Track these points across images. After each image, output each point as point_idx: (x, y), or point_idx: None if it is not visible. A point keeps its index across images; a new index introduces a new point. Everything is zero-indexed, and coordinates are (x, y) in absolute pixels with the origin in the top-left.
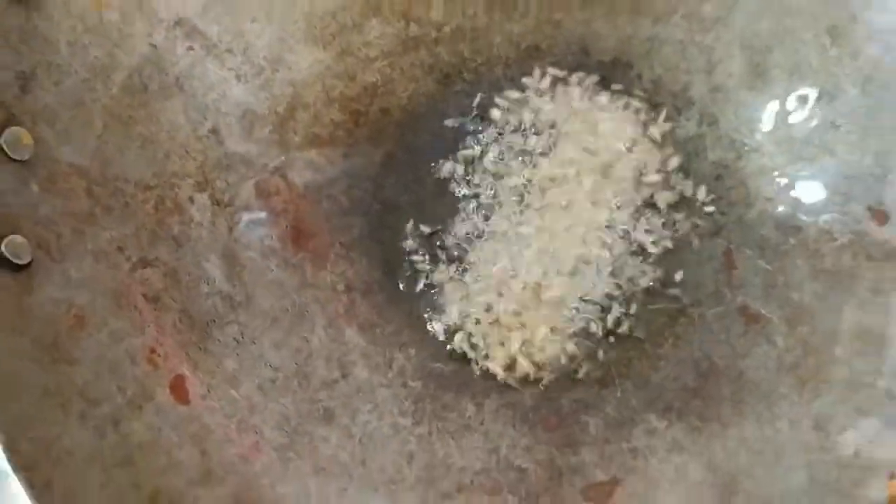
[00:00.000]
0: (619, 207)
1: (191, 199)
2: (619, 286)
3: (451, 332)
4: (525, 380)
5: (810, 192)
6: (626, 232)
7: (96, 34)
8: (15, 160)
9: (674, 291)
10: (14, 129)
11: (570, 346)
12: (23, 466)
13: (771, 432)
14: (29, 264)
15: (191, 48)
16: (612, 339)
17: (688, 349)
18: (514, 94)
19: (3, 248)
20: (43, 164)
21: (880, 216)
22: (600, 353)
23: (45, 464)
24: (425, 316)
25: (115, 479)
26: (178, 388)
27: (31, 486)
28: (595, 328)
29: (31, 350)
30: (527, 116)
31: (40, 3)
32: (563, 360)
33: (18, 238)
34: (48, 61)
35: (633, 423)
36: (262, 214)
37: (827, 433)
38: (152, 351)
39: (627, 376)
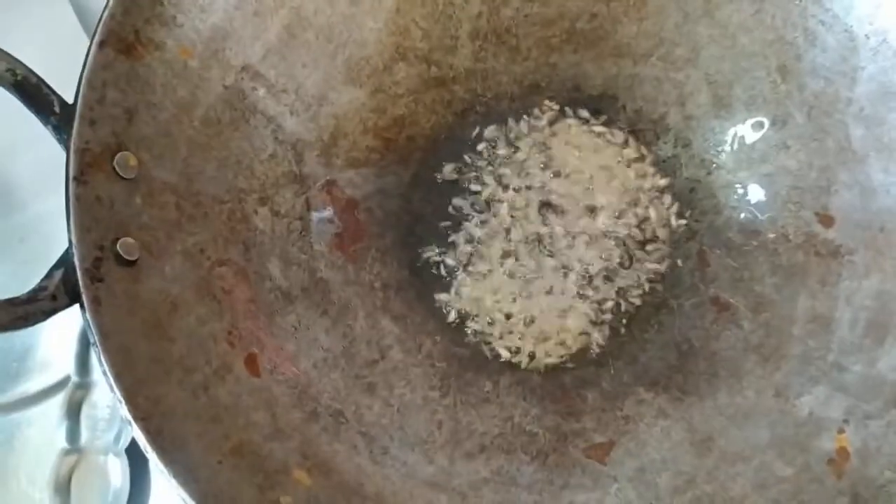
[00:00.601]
0: (617, 217)
1: (255, 212)
2: (615, 289)
3: (465, 323)
4: (531, 361)
5: (768, 201)
6: (622, 241)
7: (182, 78)
8: (124, 178)
9: (657, 286)
10: (124, 153)
11: (570, 336)
12: (140, 417)
13: (740, 400)
14: (136, 261)
15: (254, 88)
16: (605, 327)
17: (670, 333)
18: (518, 126)
19: (118, 248)
20: (144, 181)
21: (826, 220)
22: (596, 338)
23: (156, 416)
24: (445, 310)
25: (208, 431)
26: (251, 364)
27: (147, 432)
28: (592, 319)
29: (142, 328)
30: (527, 143)
31: (141, 53)
32: (564, 346)
33: (129, 240)
34: (147, 100)
35: (625, 395)
36: (330, 211)
37: (786, 398)
38: (229, 333)
39: (619, 357)
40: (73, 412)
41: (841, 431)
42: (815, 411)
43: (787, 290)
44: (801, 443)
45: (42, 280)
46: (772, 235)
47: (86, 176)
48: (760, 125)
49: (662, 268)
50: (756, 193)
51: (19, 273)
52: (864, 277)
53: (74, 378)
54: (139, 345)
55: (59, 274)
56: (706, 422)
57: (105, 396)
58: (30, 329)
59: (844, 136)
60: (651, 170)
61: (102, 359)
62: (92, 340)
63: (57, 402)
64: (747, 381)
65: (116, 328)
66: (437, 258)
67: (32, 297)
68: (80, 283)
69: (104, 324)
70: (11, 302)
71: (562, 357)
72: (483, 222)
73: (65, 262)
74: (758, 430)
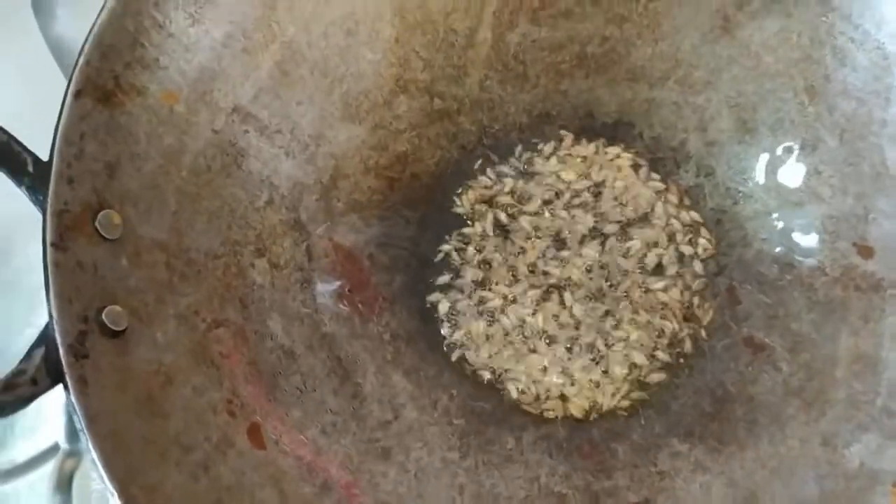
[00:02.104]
0: (643, 258)
1: (252, 265)
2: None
3: (482, 374)
4: (556, 412)
5: (801, 231)
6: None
7: (168, 125)
8: (108, 239)
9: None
10: (106, 212)
11: (596, 383)
12: None
13: (784, 450)
14: (124, 330)
15: (246, 131)
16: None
17: (702, 378)
18: (527, 157)
19: (104, 317)
20: (129, 240)
21: (865, 251)
22: (624, 387)
23: None
24: (460, 359)
25: None
26: (255, 435)
27: None
28: (619, 368)
29: (133, 406)
30: (539, 176)
31: (121, 101)
32: (591, 396)
33: (116, 308)
34: (130, 151)
35: (658, 448)
36: (332, 259)
37: (834, 448)
38: (229, 402)
39: (650, 405)
40: (64, 484)
41: None
42: (867, 462)
43: (827, 327)
44: (853, 498)
45: (21, 362)
46: (807, 269)
47: (65, 241)
48: (789, 150)
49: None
50: (787, 223)
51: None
52: None
53: (64, 446)
54: (131, 425)
55: (39, 353)
56: (748, 476)
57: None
58: None
59: (880, 160)
60: (674, 199)
61: (91, 446)
62: (78, 426)
63: (46, 473)
64: (790, 428)
65: (105, 409)
66: (449, 305)
67: (10, 383)
68: (64, 361)
69: (91, 406)
70: None
71: (587, 406)
72: (494, 263)
73: (45, 338)
74: (805, 484)
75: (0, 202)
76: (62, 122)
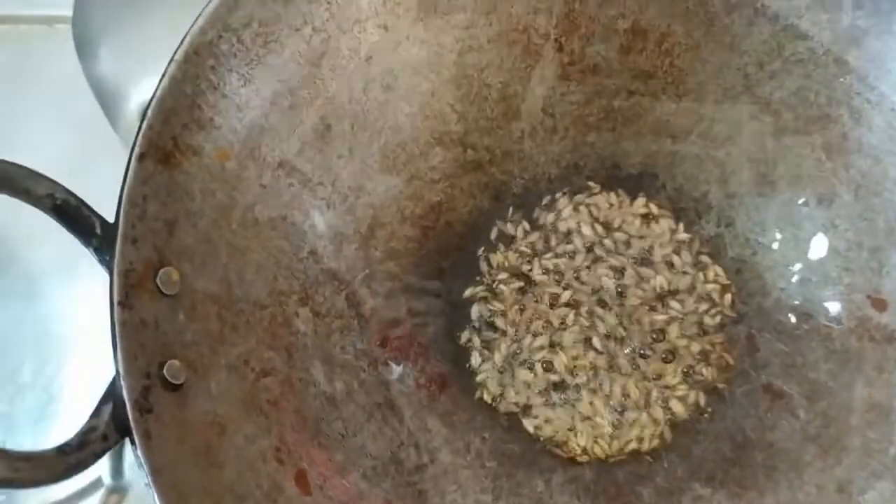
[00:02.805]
0: (667, 306)
1: (296, 313)
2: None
3: (514, 417)
4: (585, 455)
5: (817, 282)
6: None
7: (220, 181)
8: (167, 295)
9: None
10: (167, 269)
11: (622, 429)
12: None
13: (802, 496)
14: (183, 383)
15: (291, 184)
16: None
17: (723, 424)
18: (556, 207)
19: (165, 372)
20: (186, 295)
21: (879, 304)
22: (647, 432)
23: None
24: (494, 403)
25: None
26: (301, 481)
27: None
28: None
29: (191, 457)
30: (566, 224)
31: (179, 161)
32: (616, 441)
33: (176, 362)
34: (186, 208)
35: (681, 492)
36: (374, 331)
37: (850, 495)
38: (277, 449)
39: (672, 450)
40: None
41: None
42: None
43: (843, 376)
44: None
45: (91, 418)
46: (823, 319)
47: (131, 299)
48: (806, 203)
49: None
50: (804, 274)
51: (44, 371)
52: None
53: (108, 481)
54: (190, 476)
55: (107, 409)
56: None
57: (142, 502)
58: None
59: (894, 216)
60: (697, 248)
61: (157, 498)
62: (145, 481)
63: None
64: (808, 474)
65: (168, 462)
66: (480, 350)
67: (84, 441)
68: (130, 416)
69: (156, 459)
70: (62, 450)
71: (614, 450)
72: (522, 312)
73: (112, 394)
74: None
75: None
76: (127, 185)
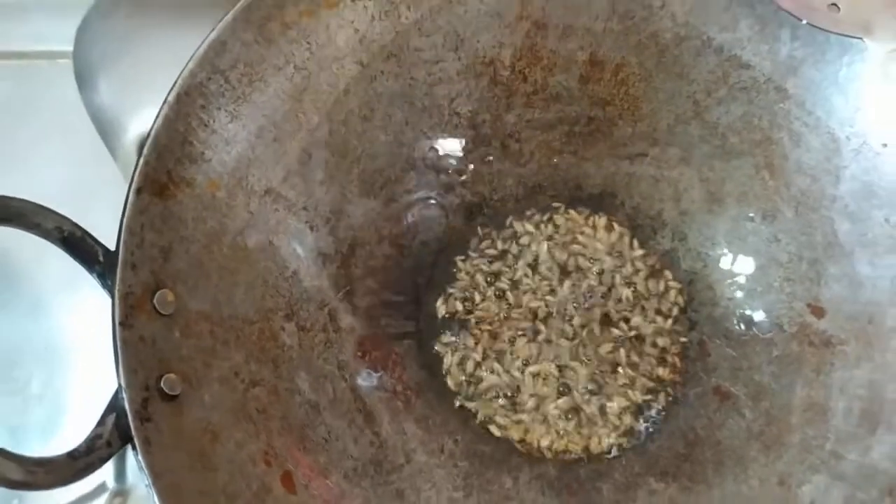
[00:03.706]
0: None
1: (282, 328)
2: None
3: (484, 420)
4: (548, 452)
5: (762, 292)
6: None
7: (211, 209)
8: (163, 315)
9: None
10: (162, 291)
11: (582, 430)
12: None
13: (746, 489)
14: (179, 394)
15: (276, 210)
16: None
17: (676, 423)
18: (522, 225)
19: (162, 384)
20: (181, 314)
21: (818, 311)
22: (605, 431)
23: None
24: (465, 408)
25: None
26: (287, 481)
27: None
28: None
29: (188, 461)
30: (533, 241)
31: (173, 192)
32: (578, 440)
33: (172, 375)
34: (180, 235)
35: (637, 486)
36: (350, 319)
37: (788, 487)
38: (266, 453)
39: (629, 448)
40: None
41: None
42: (817, 500)
43: (785, 378)
44: None
45: (96, 427)
46: (767, 326)
47: (130, 319)
48: (751, 219)
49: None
50: (750, 285)
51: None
52: (856, 367)
53: (112, 485)
54: (187, 479)
55: (111, 419)
56: None
57: None
58: None
59: (831, 231)
60: (653, 262)
61: (157, 500)
62: (145, 482)
63: None
64: (752, 469)
65: (166, 466)
66: (452, 358)
67: (90, 446)
68: (132, 425)
69: (156, 464)
70: (72, 455)
71: (576, 449)
72: (491, 322)
73: (115, 405)
74: None
75: None
76: (126, 216)
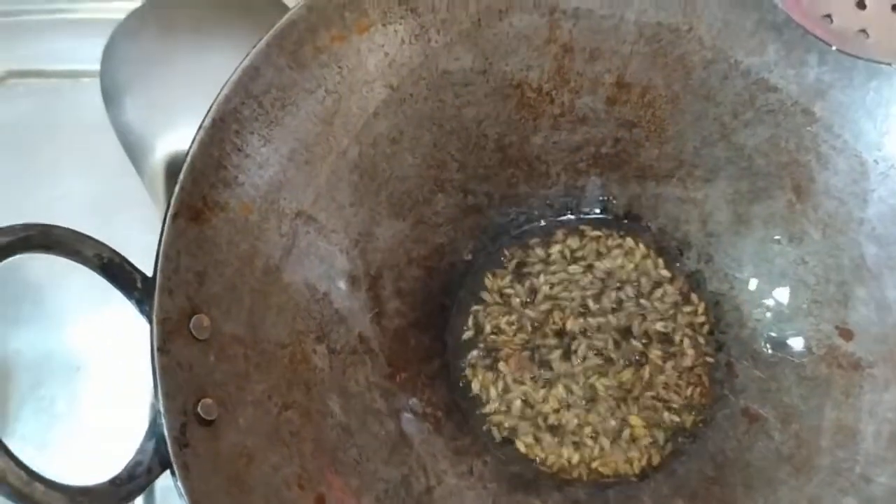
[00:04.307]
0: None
1: (314, 351)
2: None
3: (512, 441)
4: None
5: (790, 314)
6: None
7: (244, 233)
8: (199, 340)
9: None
10: (198, 315)
11: (611, 452)
12: None
13: None
14: (215, 419)
15: (308, 232)
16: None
17: (704, 445)
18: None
19: (199, 409)
20: (216, 339)
21: (846, 334)
22: (635, 455)
23: None
24: (492, 430)
25: None
26: None
27: None
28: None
29: (224, 486)
30: (561, 262)
31: (208, 217)
32: (607, 461)
33: (208, 400)
34: (214, 259)
35: None
36: (384, 365)
37: None
38: (300, 476)
39: (658, 470)
40: None
41: None
42: None
43: (814, 401)
44: None
45: (136, 454)
46: (795, 348)
47: (168, 345)
48: (778, 241)
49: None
50: (778, 307)
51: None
52: (885, 391)
53: None
54: (224, 503)
55: (151, 445)
56: None
57: None
58: None
59: (858, 254)
60: (679, 284)
61: None
62: None
63: None
64: (782, 492)
65: (204, 490)
66: (480, 381)
67: (132, 474)
68: (171, 451)
69: (194, 489)
70: (114, 482)
71: (606, 473)
72: (518, 343)
73: (154, 432)
74: None
75: None
76: (163, 242)
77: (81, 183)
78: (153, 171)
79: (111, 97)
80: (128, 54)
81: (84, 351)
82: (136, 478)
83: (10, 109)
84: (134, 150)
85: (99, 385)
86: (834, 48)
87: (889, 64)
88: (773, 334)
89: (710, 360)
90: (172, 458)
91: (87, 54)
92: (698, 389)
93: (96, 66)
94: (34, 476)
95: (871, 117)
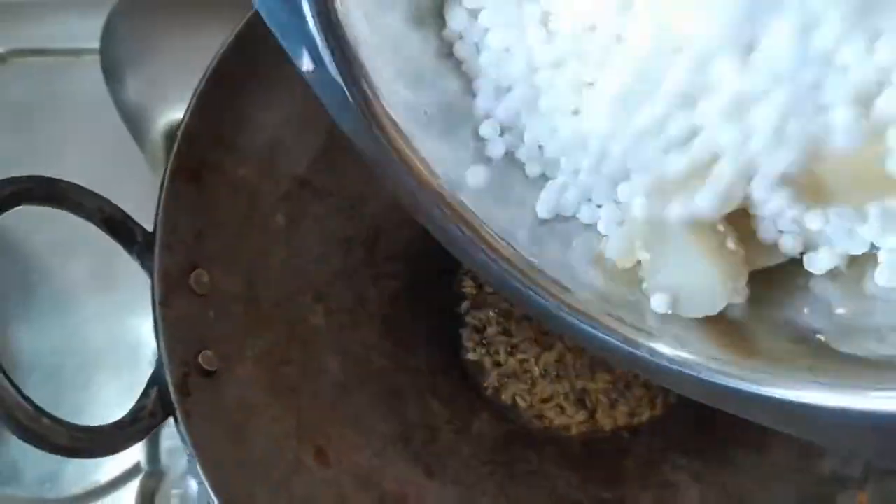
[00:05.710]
0: None
1: (312, 310)
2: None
3: (508, 398)
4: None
5: None
6: None
7: (241, 194)
8: (199, 295)
9: None
10: (198, 271)
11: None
12: None
13: (768, 462)
14: (216, 371)
15: (304, 195)
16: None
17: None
18: None
19: (200, 360)
20: (214, 295)
21: None
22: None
23: None
24: (489, 388)
25: None
26: (321, 456)
27: None
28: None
29: (225, 434)
30: None
31: (206, 178)
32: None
33: (209, 352)
34: (213, 219)
35: (660, 462)
36: (380, 325)
37: (807, 458)
38: (298, 429)
39: (652, 424)
40: (147, 502)
41: (861, 490)
42: (836, 470)
43: None
44: (824, 498)
45: (140, 399)
46: None
47: (169, 299)
48: None
49: None
50: None
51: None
52: None
53: (145, 467)
54: (225, 450)
55: (154, 391)
56: (738, 485)
57: (177, 488)
58: None
59: None
60: None
61: (201, 472)
62: (188, 452)
63: (130, 492)
64: (775, 442)
65: (207, 438)
66: (475, 340)
67: (136, 417)
68: (174, 399)
69: (197, 436)
70: (118, 425)
71: (601, 427)
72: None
73: (157, 380)
74: (784, 487)
75: None
76: (162, 200)
77: (84, 159)
78: (154, 145)
79: (111, 73)
80: (127, 31)
81: (86, 329)
82: (140, 421)
83: (12, 88)
84: (135, 124)
85: (102, 362)
86: None
87: None
88: None
89: None
90: (175, 406)
91: (87, 33)
92: None
93: (96, 44)
94: (41, 411)
95: None
